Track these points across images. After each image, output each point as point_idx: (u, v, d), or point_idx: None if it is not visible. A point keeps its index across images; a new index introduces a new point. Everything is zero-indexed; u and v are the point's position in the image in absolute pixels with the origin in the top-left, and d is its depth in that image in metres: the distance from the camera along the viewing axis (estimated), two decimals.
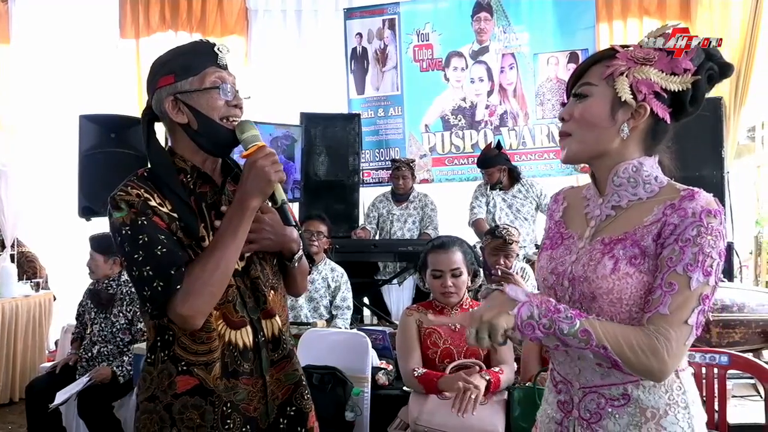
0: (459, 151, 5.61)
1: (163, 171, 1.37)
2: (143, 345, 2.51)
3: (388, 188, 5.16)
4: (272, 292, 1.45)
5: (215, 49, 1.39)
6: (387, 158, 5.68)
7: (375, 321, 4.81)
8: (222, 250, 1.30)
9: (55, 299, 5.28)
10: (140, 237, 1.27)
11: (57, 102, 5.83)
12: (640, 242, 1.16)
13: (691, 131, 4.47)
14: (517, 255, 3.78)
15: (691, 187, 1.18)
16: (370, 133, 5.72)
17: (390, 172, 5.09)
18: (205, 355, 1.33)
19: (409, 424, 2.36)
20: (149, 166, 1.41)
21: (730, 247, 4.36)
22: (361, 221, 5.19)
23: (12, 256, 5.07)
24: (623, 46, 1.24)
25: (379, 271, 4.93)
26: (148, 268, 1.25)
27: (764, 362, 2.59)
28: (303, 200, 5.07)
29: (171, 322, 1.32)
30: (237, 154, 1.50)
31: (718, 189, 4.41)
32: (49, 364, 3.84)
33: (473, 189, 4.87)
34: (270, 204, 1.38)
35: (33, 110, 6.15)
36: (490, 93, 5.55)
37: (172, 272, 1.26)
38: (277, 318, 1.45)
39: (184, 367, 1.33)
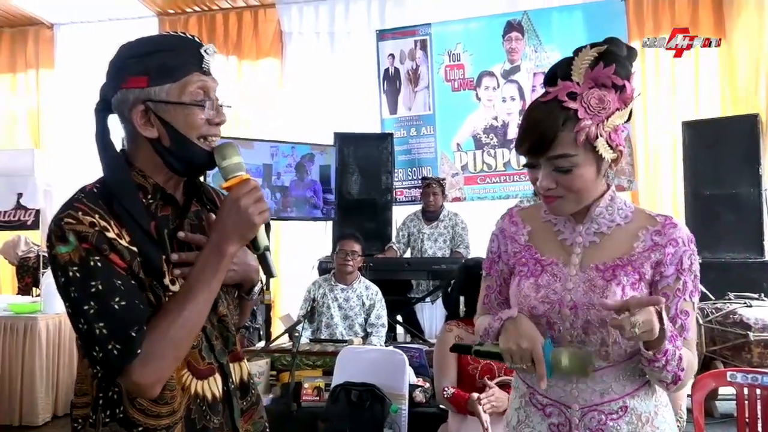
0: (491, 169, 5.64)
1: (122, 189, 1.10)
2: None
3: (420, 207, 5.21)
4: (236, 331, 1.27)
5: (202, 50, 1.14)
6: (419, 177, 5.72)
7: (408, 339, 4.84)
8: (192, 304, 1.07)
9: None
10: (92, 283, 1.02)
11: None
12: (640, 269, 1.26)
13: (727, 149, 4.45)
14: None
15: (660, 213, 1.31)
16: (403, 152, 5.79)
17: (421, 189, 5.13)
18: (168, 417, 1.09)
19: None
20: (101, 179, 1.14)
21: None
22: (393, 239, 5.24)
23: None
24: (569, 94, 1.21)
25: (413, 289, 4.96)
26: (101, 324, 1.01)
27: None
28: (336, 219, 5.14)
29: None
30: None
31: (755, 206, 4.37)
32: None
33: (506, 207, 4.86)
34: (251, 250, 1.18)
35: (76, 133, 6.38)
36: (521, 112, 5.57)
37: (133, 333, 1.02)
38: (245, 361, 1.28)
39: None
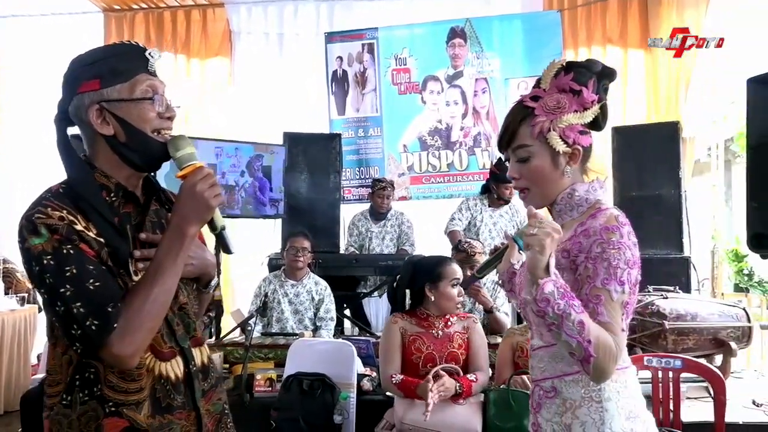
0: (435, 170, 5.86)
1: (86, 188, 1.22)
2: None
3: (368, 206, 5.39)
4: (196, 319, 1.39)
5: (147, 54, 1.27)
6: (367, 177, 5.90)
7: (356, 332, 5.00)
8: (161, 281, 1.18)
9: (40, 310, 5.36)
10: (66, 268, 1.12)
11: (44, 121, 5.93)
12: (556, 256, 1.33)
13: (650, 153, 4.78)
14: None
15: (604, 207, 1.37)
16: (351, 152, 5.94)
17: (370, 190, 5.30)
18: (136, 393, 1.21)
19: (395, 423, 2.57)
20: (66, 180, 1.24)
21: (687, 262, 4.67)
22: (342, 237, 5.38)
23: None
24: (533, 98, 1.40)
25: (360, 284, 5.13)
26: (78, 304, 1.11)
27: (716, 367, 2.85)
28: (286, 217, 5.24)
29: (94, 359, 1.18)
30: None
31: (675, 207, 4.72)
32: (41, 375, 3.94)
33: (449, 206, 5.13)
34: (210, 230, 1.28)
35: (17, 130, 6.25)
36: (464, 115, 5.82)
37: (109, 309, 1.13)
38: (206, 346, 1.40)
39: (112, 408, 1.19)
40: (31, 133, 6.17)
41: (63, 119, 1.27)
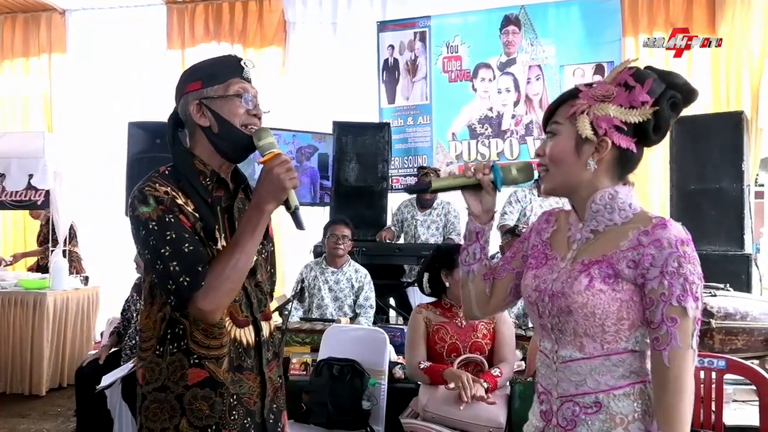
0: (485, 158, 5.77)
1: (188, 171, 1.43)
2: None
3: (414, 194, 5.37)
4: (268, 296, 1.57)
5: (241, 63, 1.47)
6: (415, 165, 5.88)
7: (401, 321, 5.01)
8: (241, 249, 1.36)
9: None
10: (168, 233, 1.32)
11: (109, 109, 6.22)
12: (615, 265, 1.24)
13: (712, 145, 4.55)
14: None
15: (661, 216, 1.26)
16: (400, 140, 5.94)
17: (417, 178, 5.28)
18: (217, 349, 1.39)
19: (419, 412, 2.57)
20: (172, 164, 1.46)
21: (748, 259, 4.42)
22: (389, 224, 5.39)
23: (64, 252, 5.44)
24: (587, 85, 1.32)
25: (405, 273, 5.13)
26: (175, 263, 1.31)
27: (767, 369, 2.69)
28: (334, 205, 5.29)
29: (182, 317, 1.38)
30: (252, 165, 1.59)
31: (737, 201, 4.47)
32: (94, 352, 4.16)
33: (499, 195, 5.01)
34: (285, 209, 1.42)
35: (86, 116, 6.57)
36: (516, 103, 5.71)
37: (199, 269, 1.32)
38: (272, 321, 1.56)
39: (196, 360, 1.38)
40: (98, 121, 6.47)
41: (172, 119, 1.51)
